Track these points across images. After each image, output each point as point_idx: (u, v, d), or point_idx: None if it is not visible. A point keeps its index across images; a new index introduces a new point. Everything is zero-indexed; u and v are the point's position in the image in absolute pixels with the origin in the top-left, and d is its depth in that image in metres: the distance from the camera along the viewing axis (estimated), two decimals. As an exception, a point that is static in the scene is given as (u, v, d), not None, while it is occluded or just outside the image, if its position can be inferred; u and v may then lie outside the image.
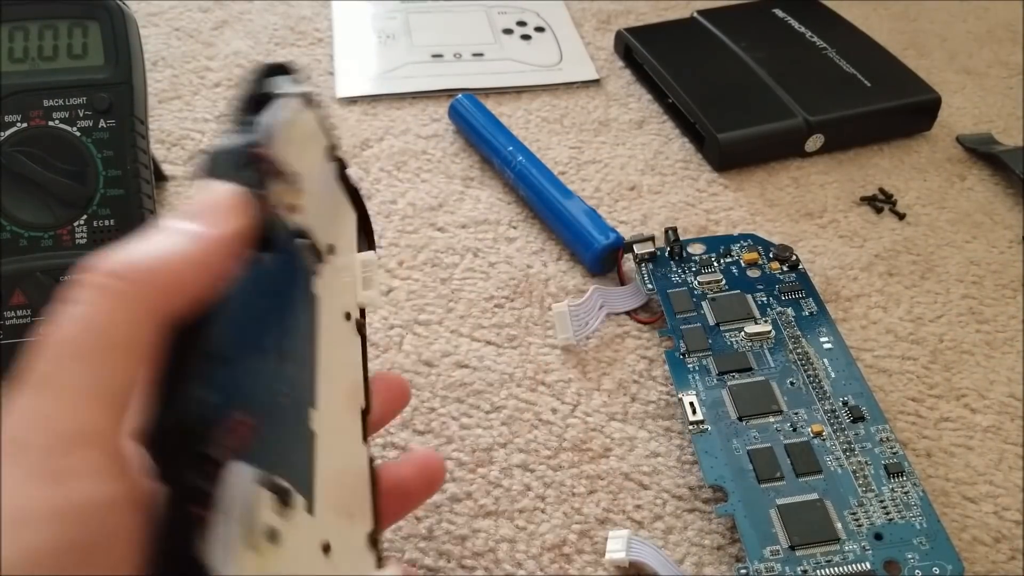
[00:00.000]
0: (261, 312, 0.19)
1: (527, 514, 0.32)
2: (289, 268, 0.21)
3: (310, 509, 0.19)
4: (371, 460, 0.25)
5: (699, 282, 0.40)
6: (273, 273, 0.19)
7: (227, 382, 0.17)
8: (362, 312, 0.26)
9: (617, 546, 0.31)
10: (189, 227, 0.18)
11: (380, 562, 0.23)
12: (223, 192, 0.18)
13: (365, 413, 0.25)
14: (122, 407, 0.16)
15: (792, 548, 0.30)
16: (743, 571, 0.29)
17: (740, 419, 0.34)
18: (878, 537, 0.30)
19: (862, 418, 0.34)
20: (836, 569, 0.29)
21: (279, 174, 0.20)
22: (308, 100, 0.22)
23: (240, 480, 0.16)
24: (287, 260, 0.20)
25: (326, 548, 0.20)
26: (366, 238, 0.28)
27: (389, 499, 0.25)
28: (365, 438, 0.24)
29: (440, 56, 0.56)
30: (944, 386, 0.37)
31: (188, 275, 0.17)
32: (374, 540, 0.23)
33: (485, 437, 0.35)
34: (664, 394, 0.37)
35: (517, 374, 0.37)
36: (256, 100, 0.21)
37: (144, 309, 0.16)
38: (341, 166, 0.26)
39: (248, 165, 0.19)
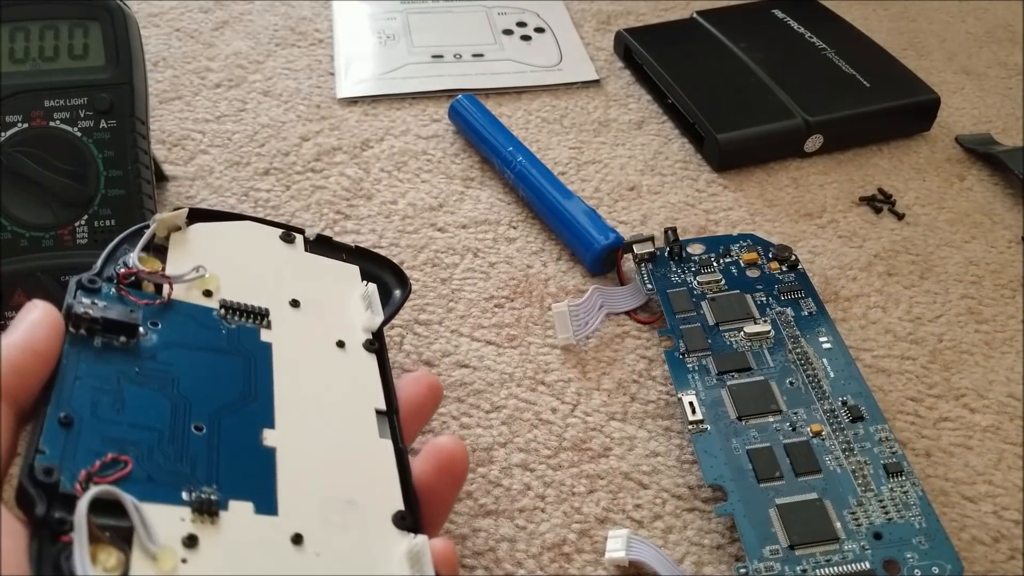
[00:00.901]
0: (114, 380, 0.24)
1: (527, 513, 0.33)
2: (180, 339, 0.26)
3: (267, 510, 0.23)
4: (401, 451, 0.27)
5: (699, 282, 0.40)
6: (133, 349, 0.25)
7: (82, 438, 0.22)
8: (375, 334, 0.31)
9: (617, 545, 0.31)
10: (12, 334, 0.23)
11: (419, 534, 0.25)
12: (39, 306, 0.24)
13: (392, 413, 0.28)
14: None
15: (791, 547, 0.30)
16: (743, 570, 0.29)
17: (739, 419, 0.34)
18: (877, 536, 0.30)
19: (861, 418, 0.34)
20: (835, 568, 0.29)
21: (142, 282, 0.27)
22: (194, 215, 0.30)
23: (82, 506, 0.20)
24: (175, 332, 0.26)
25: (296, 538, 0.23)
26: (395, 277, 0.34)
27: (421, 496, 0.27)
28: (394, 434, 0.28)
29: (440, 57, 0.56)
30: (943, 386, 0.37)
31: (16, 361, 0.22)
32: (402, 517, 0.25)
33: (485, 437, 0.35)
34: (664, 394, 0.37)
35: (517, 374, 0.37)
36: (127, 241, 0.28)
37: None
38: (313, 243, 0.32)
39: (104, 283, 0.26)
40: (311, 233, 0.33)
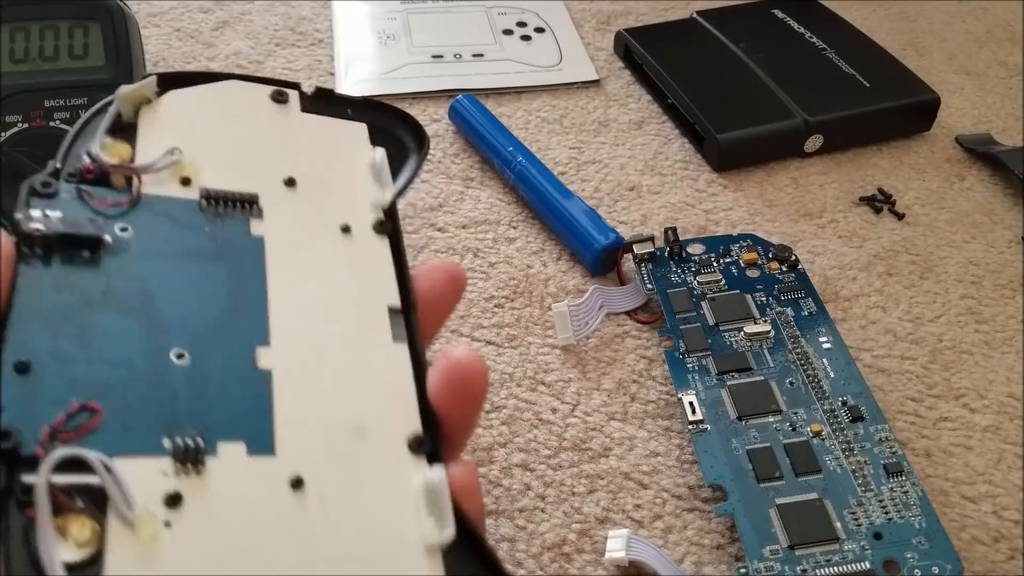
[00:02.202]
0: (78, 307, 0.20)
1: (527, 513, 0.33)
2: (154, 244, 0.22)
3: (263, 449, 0.20)
4: (417, 356, 0.23)
5: (699, 282, 0.40)
6: (94, 263, 0.21)
7: (44, 385, 0.19)
8: (386, 212, 0.26)
9: (617, 545, 0.31)
10: None
11: (437, 464, 0.22)
12: None
13: (408, 310, 0.24)
14: None
15: (791, 547, 0.30)
16: (743, 570, 0.29)
17: (739, 419, 0.34)
18: (877, 536, 0.30)
19: (861, 418, 0.34)
20: (835, 568, 0.29)
21: (110, 173, 0.23)
22: (168, 80, 0.25)
23: (42, 477, 0.17)
24: (148, 239, 0.22)
25: (296, 483, 0.20)
26: (411, 133, 0.28)
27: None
28: (411, 335, 0.24)
29: (440, 57, 0.56)
30: (943, 386, 0.37)
31: None
32: (419, 442, 0.22)
33: (485, 437, 0.35)
34: (664, 394, 0.37)
35: (517, 374, 0.37)
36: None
37: None
38: (311, 99, 0.27)
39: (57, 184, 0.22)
40: (308, 87, 0.28)
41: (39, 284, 0.20)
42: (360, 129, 0.28)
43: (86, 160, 0.23)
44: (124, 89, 0.24)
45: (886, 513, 0.31)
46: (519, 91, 0.54)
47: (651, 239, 0.41)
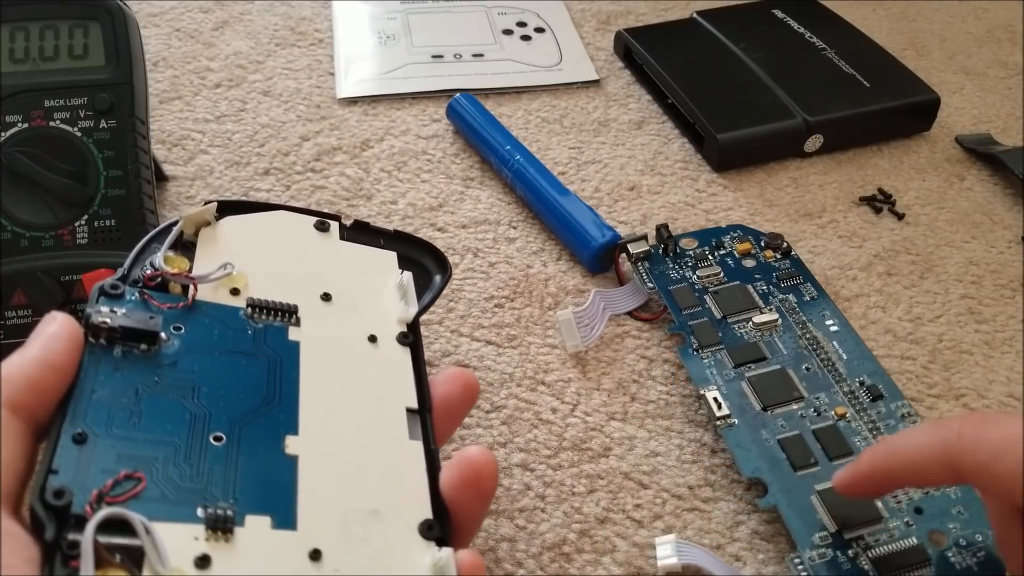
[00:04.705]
0: (132, 392, 0.23)
1: (527, 513, 0.33)
2: (204, 343, 0.25)
3: (286, 524, 0.22)
4: (432, 453, 0.26)
5: (698, 276, 0.40)
6: (152, 358, 0.24)
7: (96, 455, 0.21)
8: (409, 326, 0.29)
9: (667, 552, 0.30)
10: (30, 348, 0.23)
11: (446, 547, 0.24)
12: (57, 318, 0.24)
13: (424, 412, 0.27)
14: None
15: (839, 532, 0.30)
16: (796, 560, 0.29)
17: (764, 409, 0.34)
18: (918, 511, 0.30)
19: (881, 396, 0.34)
20: (884, 548, 0.29)
21: (169, 282, 0.26)
22: (223, 208, 0.29)
23: (88, 531, 0.19)
24: (196, 336, 0.25)
25: (315, 554, 0.22)
26: (435, 261, 0.32)
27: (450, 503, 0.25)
28: (426, 434, 0.27)
29: (440, 57, 0.56)
30: (943, 386, 0.37)
31: (33, 377, 0.22)
32: (428, 527, 0.24)
33: (485, 437, 0.35)
34: (664, 394, 0.37)
35: (517, 374, 0.37)
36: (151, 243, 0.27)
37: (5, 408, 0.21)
38: (349, 229, 0.31)
39: (129, 287, 0.26)
40: (347, 219, 0.31)
41: (100, 368, 0.23)
42: (390, 256, 0.31)
43: (150, 269, 0.26)
44: (188, 212, 0.28)
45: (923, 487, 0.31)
46: (519, 91, 0.54)
47: (644, 238, 0.41)
